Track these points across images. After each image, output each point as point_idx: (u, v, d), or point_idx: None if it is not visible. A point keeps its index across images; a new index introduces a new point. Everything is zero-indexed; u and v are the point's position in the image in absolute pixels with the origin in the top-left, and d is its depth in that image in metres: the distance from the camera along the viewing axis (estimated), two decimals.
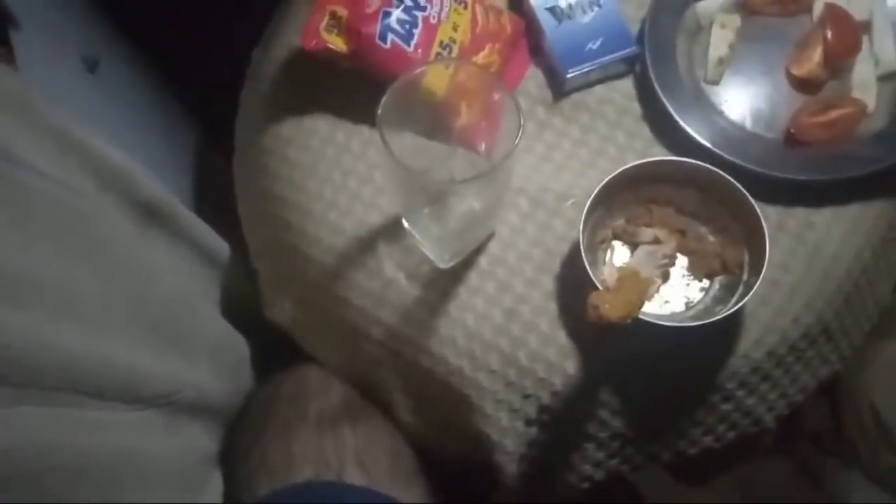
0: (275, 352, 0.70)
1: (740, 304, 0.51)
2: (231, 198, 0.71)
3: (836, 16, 0.61)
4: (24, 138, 0.47)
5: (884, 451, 1.03)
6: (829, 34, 0.60)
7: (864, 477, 1.04)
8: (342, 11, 0.57)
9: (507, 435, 0.57)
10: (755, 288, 0.51)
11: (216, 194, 0.78)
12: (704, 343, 0.56)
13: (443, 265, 0.58)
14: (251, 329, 0.71)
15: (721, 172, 0.54)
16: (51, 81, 0.59)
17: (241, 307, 0.72)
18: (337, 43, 0.57)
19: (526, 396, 0.56)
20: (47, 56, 0.61)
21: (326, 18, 0.57)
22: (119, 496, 0.45)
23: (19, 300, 0.40)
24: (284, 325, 0.66)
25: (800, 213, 0.58)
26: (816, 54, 0.60)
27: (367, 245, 0.59)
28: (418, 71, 0.47)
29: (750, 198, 0.53)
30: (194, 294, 0.66)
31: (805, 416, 1.08)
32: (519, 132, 0.44)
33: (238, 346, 0.70)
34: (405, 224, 0.58)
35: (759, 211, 0.52)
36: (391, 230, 0.59)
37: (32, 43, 0.56)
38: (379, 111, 0.44)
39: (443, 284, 0.58)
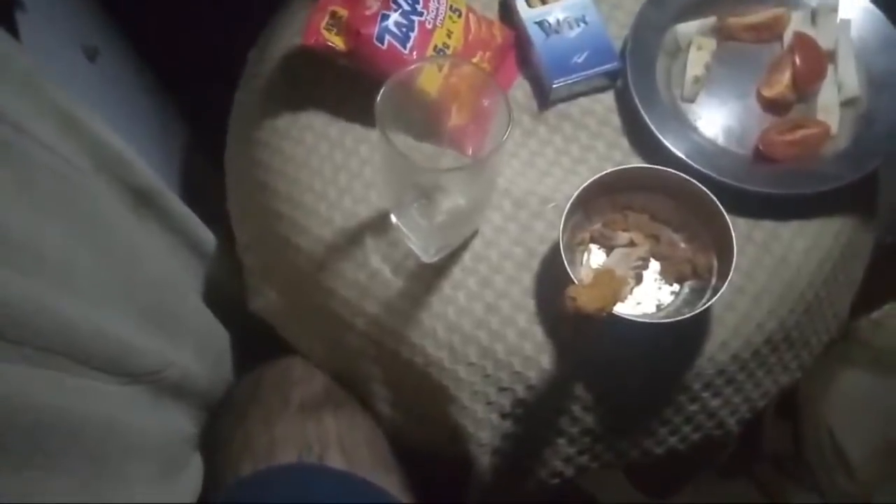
0: (255, 348, 0.71)
1: (707, 304, 0.53)
2: (218, 191, 0.73)
3: (804, 44, 0.65)
4: (30, 110, 0.48)
5: (840, 476, 1.07)
6: (798, 60, 0.64)
7: (822, 501, 1.07)
8: (342, 12, 0.59)
9: (483, 427, 0.59)
10: (721, 291, 0.54)
11: (205, 188, 0.80)
12: (673, 343, 0.58)
13: (427, 259, 0.60)
14: (232, 321, 0.72)
15: (694, 181, 0.57)
16: (52, 66, 0.61)
17: (225, 300, 0.73)
18: (336, 41, 0.60)
19: (502, 389, 0.58)
20: (50, 42, 0.62)
21: (327, 17, 0.60)
22: (104, 463, 0.46)
23: (22, 264, 0.41)
24: (268, 316, 0.68)
25: (767, 225, 0.61)
26: (786, 78, 0.64)
27: (354, 237, 0.61)
28: (413, 68, 0.49)
29: (721, 207, 0.56)
30: (181, 281, 0.68)
31: (766, 439, 1.11)
32: (508, 127, 0.46)
33: (219, 336, 0.71)
34: (393, 218, 0.60)
35: (728, 220, 0.56)
36: (379, 224, 0.62)
37: (36, 28, 0.58)
38: (377, 103, 0.46)
39: (427, 278, 0.60)
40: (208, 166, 0.78)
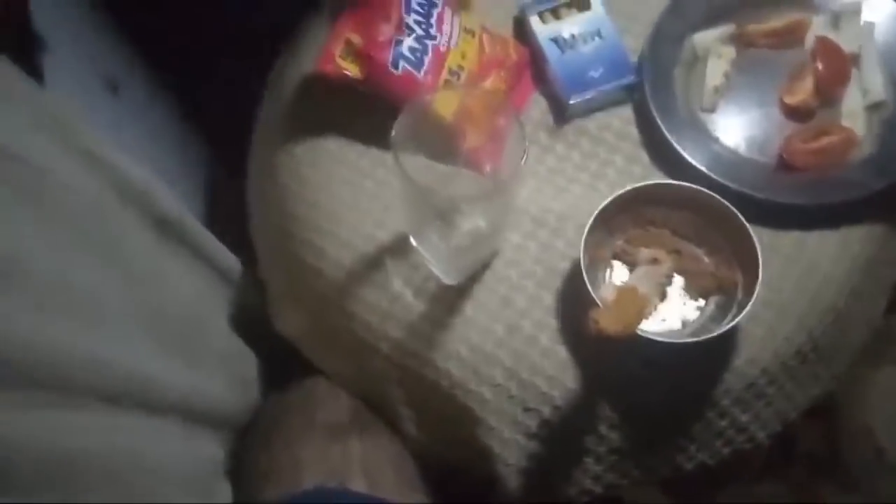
0: (283, 366, 0.72)
1: (733, 322, 0.53)
2: (242, 214, 0.74)
3: (827, 49, 0.64)
4: (55, 152, 0.49)
5: (880, 476, 1.04)
6: (821, 66, 0.63)
7: (860, 501, 1.05)
8: (357, 39, 0.60)
9: (509, 447, 0.59)
10: (748, 307, 0.53)
11: (227, 212, 0.81)
12: (700, 360, 0.57)
13: (449, 282, 0.60)
14: (261, 343, 0.73)
15: (715, 195, 0.56)
16: (76, 101, 0.62)
17: (252, 321, 0.74)
18: (351, 69, 0.60)
19: (527, 409, 0.58)
20: (73, 78, 0.64)
21: (342, 45, 0.60)
22: (132, 499, 0.47)
23: (53, 307, 0.42)
24: (293, 338, 0.68)
25: (791, 235, 0.60)
26: (808, 84, 0.63)
27: (374, 261, 0.62)
28: (427, 97, 0.49)
29: (743, 219, 0.55)
30: (207, 308, 0.69)
31: (800, 439, 1.09)
32: (524, 154, 0.46)
33: (247, 360, 0.72)
34: (412, 242, 0.60)
35: (751, 232, 0.55)
36: (399, 247, 0.62)
37: (60, 66, 0.59)
38: (393, 132, 0.46)
39: (449, 300, 0.60)
40: (233, 188, 0.79)
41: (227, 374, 0.66)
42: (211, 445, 0.62)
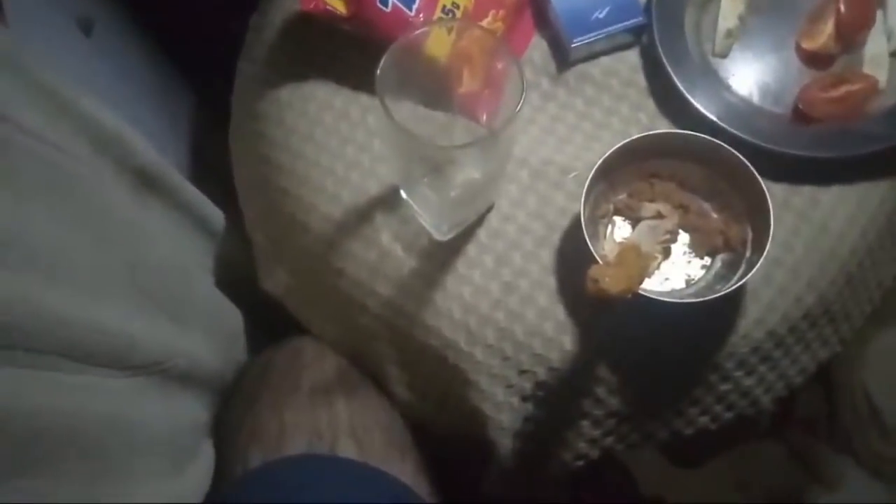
0: (269, 324, 0.70)
1: (741, 281, 0.50)
2: (227, 168, 0.70)
3: None
4: (17, 98, 0.46)
5: (876, 439, 1.04)
6: (842, 7, 0.59)
7: (856, 463, 1.05)
8: None
9: (503, 410, 0.56)
10: (757, 266, 0.50)
11: (212, 163, 0.77)
12: (704, 321, 0.55)
13: (440, 237, 0.57)
14: (246, 300, 0.71)
15: (724, 145, 0.53)
16: (44, 43, 0.58)
17: (236, 278, 0.71)
18: (337, 5, 0.56)
19: (522, 372, 0.55)
20: (40, 15, 0.59)
21: None
22: (108, 462, 0.45)
23: (9, 262, 0.39)
24: (279, 295, 0.66)
25: (806, 190, 0.57)
26: (828, 27, 0.59)
27: (364, 215, 0.58)
28: (419, 32, 0.45)
29: (754, 172, 0.52)
30: (189, 263, 0.66)
31: (798, 401, 1.08)
32: (521, 98, 0.43)
33: (232, 317, 0.69)
34: (403, 194, 0.57)
35: (764, 187, 0.51)
36: (389, 200, 0.58)
37: (25, 1, 0.55)
38: (378, 72, 0.42)
39: (440, 257, 0.57)
40: (217, 138, 0.75)
41: (210, 332, 0.63)
42: (194, 405, 0.59)
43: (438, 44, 0.50)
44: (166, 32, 0.80)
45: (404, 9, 0.55)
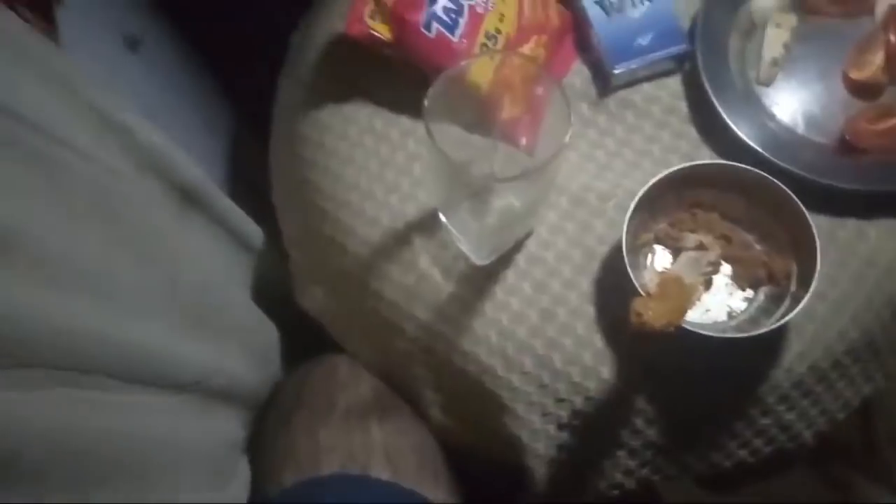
0: (305, 340, 0.70)
1: (787, 318, 0.49)
2: (266, 183, 0.71)
3: None
4: (67, 117, 0.47)
5: None
6: (893, 38, 0.58)
7: (894, 493, 1.02)
8: None
9: (539, 438, 0.56)
10: (804, 301, 0.49)
11: (252, 179, 0.78)
12: (745, 355, 0.54)
13: (479, 262, 0.57)
14: (283, 316, 0.71)
15: (769, 177, 0.52)
16: (93, 60, 0.59)
17: (274, 293, 0.71)
18: (381, 30, 0.56)
19: (559, 400, 0.55)
20: (90, 34, 0.61)
21: (371, 4, 0.56)
22: (150, 480, 0.45)
23: (61, 283, 0.40)
24: (316, 314, 0.66)
25: (851, 223, 0.56)
26: (878, 58, 0.58)
27: (402, 238, 0.59)
28: (463, 64, 0.46)
29: (800, 204, 0.51)
30: (227, 279, 0.66)
31: (836, 434, 1.06)
32: (569, 129, 0.42)
33: (269, 332, 0.70)
34: (442, 218, 0.57)
35: (810, 220, 0.51)
36: (428, 224, 0.59)
37: (76, 21, 0.56)
38: (425, 103, 0.42)
39: (478, 282, 0.57)
40: (258, 155, 0.76)
41: (247, 348, 0.64)
42: (230, 423, 0.60)
43: (481, 71, 0.50)
44: (210, 50, 0.81)
45: (448, 34, 0.55)
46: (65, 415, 0.40)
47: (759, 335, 0.49)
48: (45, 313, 0.38)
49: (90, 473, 0.40)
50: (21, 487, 0.36)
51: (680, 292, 0.49)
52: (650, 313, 0.45)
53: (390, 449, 0.56)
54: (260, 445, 0.60)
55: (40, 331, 0.38)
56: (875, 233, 0.56)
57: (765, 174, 0.52)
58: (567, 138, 0.43)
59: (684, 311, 0.48)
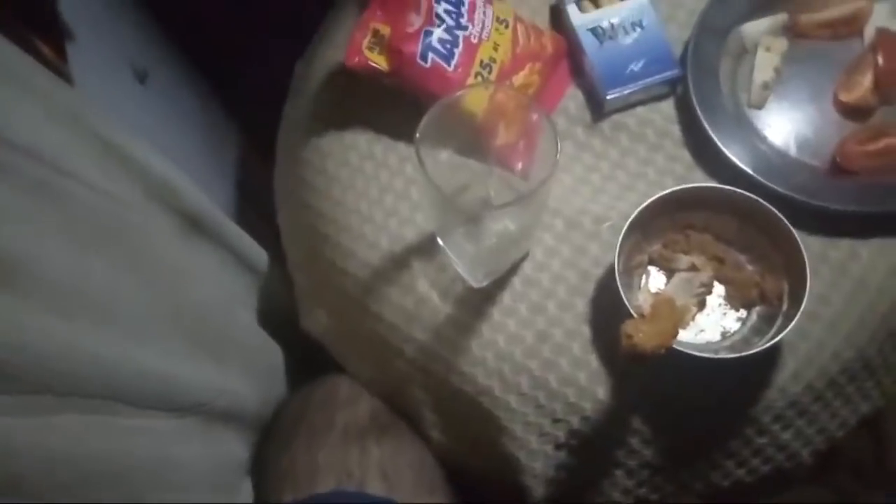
0: (308, 362, 0.71)
1: (777, 338, 0.50)
2: (271, 208, 0.72)
3: (888, 41, 0.59)
4: (75, 150, 0.48)
5: None
6: (881, 60, 0.59)
7: None
8: (385, 30, 0.57)
9: (536, 458, 0.57)
10: (794, 321, 0.50)
11: (257, 203, 0.80)
12: (740, 374, 0.54)
13: (476, 284, 0.58)
14: (286, 338, 0.72)
15: (760, 200, 0.53)
16: (103, 92, 0.61)
17: (278, 316, 0.73)
18: (379, 61, 0.58)
19: (556, 420, 0.56)
20: (100, 67, 0.63)
21: (369, 36, 0.58)
22: (153, 501, 0.46)
23: (67, 310, 0.42)
24: (318, 336, 0.67)
25: (844, 244, 0.57)
26: (867, 80, 0.59)
27: (401, 261, 0.60)
28: (459, 93, 0.47)
29: (790, 227, 0.52)
30: (232, 302, 0.68)
31: (845, 446, 1.05)
32: (556, 157, 0.44)
33: (272, 354, 0.71)
34: (440, 242, 0.58)
35: (799, 241, 0.51)
36: (426, 247, 0.60)
37: (86, 54, 0.58)
38: (417, 134, 0.44)
39: (475, 304, 0.58)
40: (263, 180, 0.78)
41: (251, 369, 0.65)
42: (234, 443, 0.61)
43: (476, 100, 0.52)
44: (215, 80, 0.84)
45: (443, 64, 0.57)
46: (71, 439, 0.41)
47: (752, 355, 0.50)
48: (53, 340, 0.40)
49: (92, 496, 0.41)
50: None
51: (672, 314, 0.49)
52: (641, 335, 0.46)
53: (387, 466, 0.57)
54: (262, 465, 0.61)
55: (48, 357, 0.40)
56: (867, 253, 0.56)
57: (756, 198, 0.53)
58: (553, 168, 0.44)
59: (675, 333, 0.49)
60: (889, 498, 0.97)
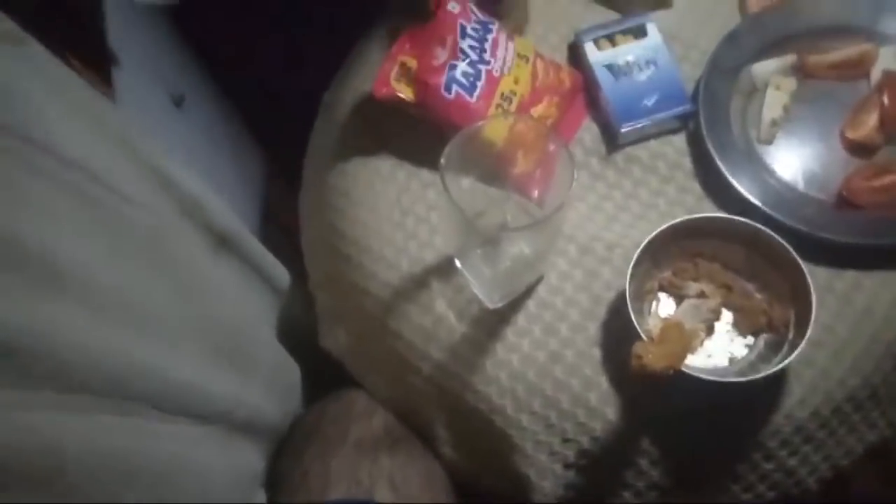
0: (325, 378, 0.73)
1: (782, 365, 0.51)
2: (295, 229, 0.75)
3: (893, 82, 0.62)
4: (118, 166, 0.52)
5: None
6: (887, 100, 0.61)
7: None
8: (412, 62, 0.61)
9: (546, 476, 0.58)
10: (799, 348, 0.51)
11: (282, 225, 0.83)
12: (747, 400, 0.56)
13: (492, 306, 0.60)
14: (304, 355, 0.75)
15: (768, 231, 0.55)
16: (143, 115, 0.65)
17: (298, 334, 0.75)
18: (405, 91, 0.61)
19: (566, 440, 0.57)
20: (141, 92, 0.67)
21: (397, 68, 0.61)
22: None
23: (107, 314, 0.44)
24: (338, 354, 0.69)
25: (849, 275, 0.58)
26: (872, 119, 0.61)
27: (420, 282, 0.62)
28: (479, 124, 0.50)
29: (797, 257, 0.54)
30: (255, 318, 0.70)
31: (854, 480, 1.04)
32: (572, 184, 0.46)
33: (291, 371, 0.74)
34: (457, 264, 0.60)
35: (805, 270, 0.53)
36: (444, 269, 0.62)
37: (128, 79, 0.62)
38: (442, 160, 0.47)
39: (491, 324, 0.60)
40: (288, 203, 0.81)
41: (271, 384, 0.67)
42: (251, 455, 0.63)
43: (496, 130, 0.54)
44: (247, 106, 0.87)
45: (466, 96, 0.60)
46: (106, 439, 0.43)
47: (758, 380, 0.51)
48: (93, 342, 0.42)
49: (116, 493, 0.43)
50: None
51: (680, 337, 0.51)
52: (650, 356, 0.48)
53: (396, 476, 0.58)
54: (277, 476, 0.63)
55: (88, 358, 0.42)
56: (871, 284, 0.58)
57: (764, 228, 0.55)
58: (569, 193, 0.46)
59: (684, 356, 0.51)
60: None
